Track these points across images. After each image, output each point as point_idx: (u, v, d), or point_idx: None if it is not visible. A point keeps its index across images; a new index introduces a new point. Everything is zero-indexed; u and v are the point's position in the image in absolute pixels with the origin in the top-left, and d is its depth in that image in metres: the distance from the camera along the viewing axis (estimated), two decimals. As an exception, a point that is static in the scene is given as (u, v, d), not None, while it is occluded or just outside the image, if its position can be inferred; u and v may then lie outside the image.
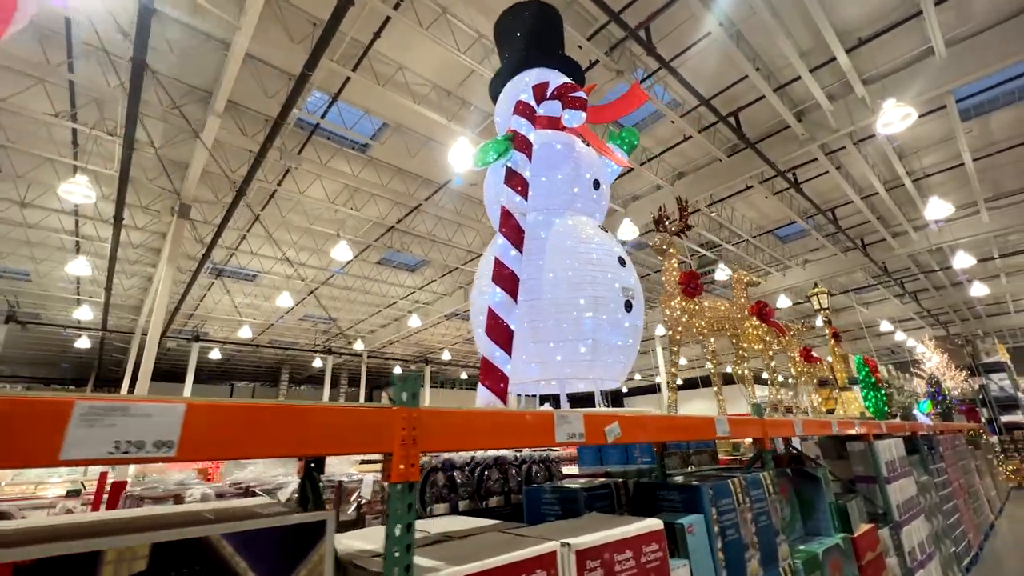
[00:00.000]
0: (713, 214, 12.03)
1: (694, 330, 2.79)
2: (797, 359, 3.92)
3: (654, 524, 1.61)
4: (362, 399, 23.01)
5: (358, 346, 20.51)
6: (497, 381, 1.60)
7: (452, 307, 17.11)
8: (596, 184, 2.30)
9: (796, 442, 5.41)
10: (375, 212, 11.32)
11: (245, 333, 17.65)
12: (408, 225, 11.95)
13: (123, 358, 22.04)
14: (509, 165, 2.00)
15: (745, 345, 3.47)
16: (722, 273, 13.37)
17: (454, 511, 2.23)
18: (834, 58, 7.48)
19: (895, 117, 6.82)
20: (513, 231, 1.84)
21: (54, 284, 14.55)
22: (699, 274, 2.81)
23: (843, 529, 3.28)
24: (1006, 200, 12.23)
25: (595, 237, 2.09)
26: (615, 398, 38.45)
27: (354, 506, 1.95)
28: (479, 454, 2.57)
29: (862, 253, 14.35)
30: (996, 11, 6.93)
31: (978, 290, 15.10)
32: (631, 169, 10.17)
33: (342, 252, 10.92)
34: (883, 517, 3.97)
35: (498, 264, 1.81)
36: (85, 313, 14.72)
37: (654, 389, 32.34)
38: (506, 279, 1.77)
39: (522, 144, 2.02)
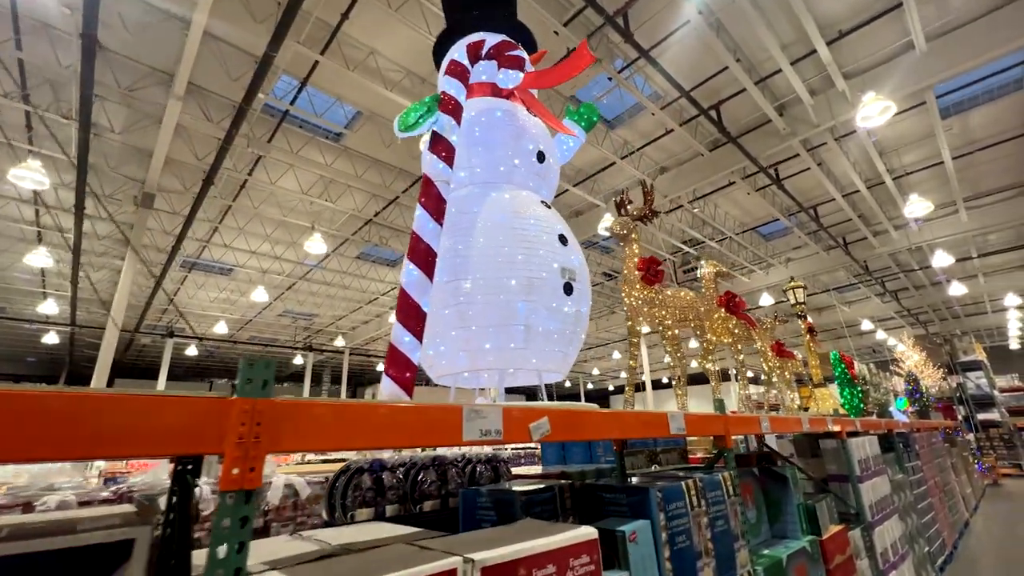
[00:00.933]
0: (696, 210, 11.92)
1: (656, 320, 2.60)
2: (768, 354, 3.76)
3: (586, 533, 1.40)
4: (343, 396, 22.58)
5: (339, 343, 20.14)
6: (403, 370, 1.39)
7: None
8: (540, 156, 2.09)
9: (772, 440, 5.28)
10: (351, 204, 11.01)
11: (222, 329, 17.19)
12: (386, 219, 11.66)
13: (96, 354, 21.40)
14: (435, 129, 1.78)
15: (712, 338, 3.29)
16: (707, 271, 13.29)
17: (380, 517, 2.01)
18: (815, 51, 7.37)
19: (874, 111, 6.72)
20: (433, 200, 1.62)
21: (16, 277, 13.99)
22: (659, 260, 2.62)
23: (812, 531, 3.11)
24: (984, 200, 12.31)
25: (534, 212, 1.88)
26: (601, 396, 38.48)
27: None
28: (412, 453, 2.35)
29: (844, 251, 14.38)
30: (977, 4, 6.86)
31: (956, 290, 15.24)
32: (621, 159, 10.00)
33: (317, 245, 10.60)
34: (855, 517, 3.83)
35: (414, 238, 1.60)
36: (51, 307, 14.19)
37: (640, 387, 32.39)
38: (421, 255, 1.55)
39: (450, 106, 1.80)
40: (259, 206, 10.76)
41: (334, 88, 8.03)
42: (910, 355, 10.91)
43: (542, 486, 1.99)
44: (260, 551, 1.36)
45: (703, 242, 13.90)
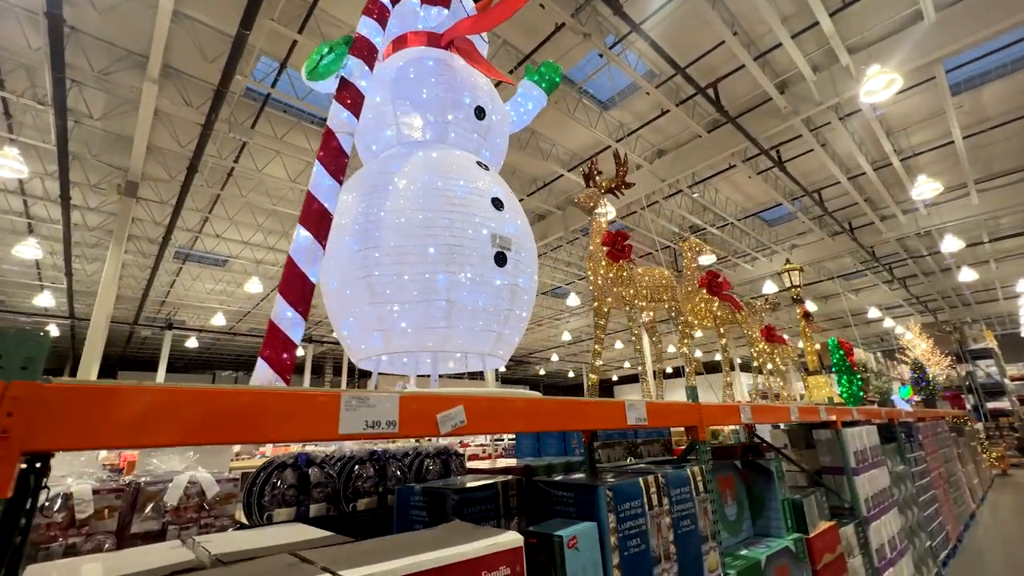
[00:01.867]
0: (696, 195, 11.58)
1: (624, 300, 2.37)
2: (757, 338, 3.51)
3: (509, 541, 1.18)
4: (344, 387, 22.53)
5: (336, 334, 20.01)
6: (280, 351, 1.16)
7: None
8: (480, 112, 1.84)
9: (765, 431, 5.04)
10: (341, 192, 10.78)
11: (220, 321, 17.13)
12: (378, 206, 11.42)
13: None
14: (342, 74, 1.54)
15: (693, 320, 3.05)
16: (706, 258, 12.98)
17: (304, 518, 1.81)
18: (817, 23, 7.00)
19: (879, 84, 6.37)
20: (331, 154, 1.39)
21: (11, 270, 13.95)
22: (626, 234, 2.37)
23: (798, 528, 2.88)
24: (997, 181, 11.86)
25: (465, 173, 1.63)
26: (604, 387, 38.31)
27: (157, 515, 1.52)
28: (348, 446, 2.15)
29: (850, 237, 13.99)
30: (989, -30, 6.46)
31: (967, 275, 14.81)
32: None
33: (306, 234, 10.38)
34: (850, 512, 3.60)
35: (308, 198, 1.37)
36: (47, 300, 14.16)
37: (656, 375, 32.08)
38: (314, 217, 1.32)
39: (363, 49, 1.55)
40: (247, 194, 10.56)
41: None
42: (916, 343, 10.58)
43: (483, 483, 1.77)
44: (113, 564, 1.16)
45: (704, 228, 13.56)
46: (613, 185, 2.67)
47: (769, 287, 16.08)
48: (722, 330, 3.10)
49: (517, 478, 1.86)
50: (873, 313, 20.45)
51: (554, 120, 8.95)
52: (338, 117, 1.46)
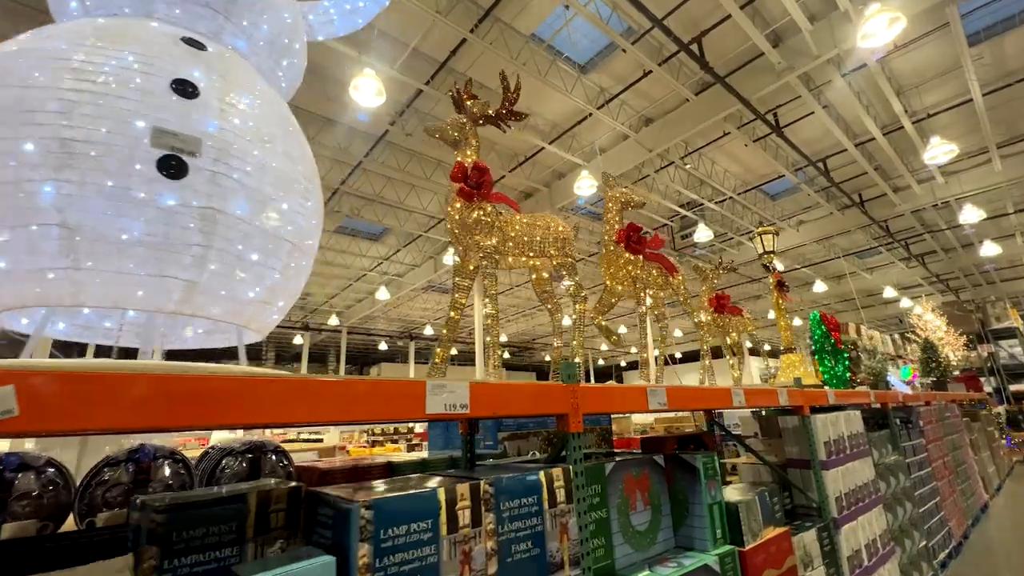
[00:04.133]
0: (688, 167, 10.82)
1: (482, 252, 1.83)
2: (700, 308, 2.93)
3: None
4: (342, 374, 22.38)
5: (332, 321, 19.79)
6: None
7: (424, 278, 16.20)
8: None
9: (735, 417, 4.45)
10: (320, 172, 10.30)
11: (210, 309, 16.93)
12: (352, 186, 10.94)
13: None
14: None
15: (615, 285, 2.49)
16: (702, 234, 12.26)
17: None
18: (810, -39, 6.22)
19: (879, 25, 5.59)
20: None
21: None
22: (486, 167, 1.82)
23: (731, 539, 2.33)
24: (1022, 144, 10.85)
25: (137, 46, 1.08)
26: (614, 373, 37.71)
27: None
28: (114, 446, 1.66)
29: (860, 210, 13.09)
30: None
31: (989, 250, 13.79)
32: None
33: (276, 216, 9.97)
34: (817, 513, 3.03)
35: None
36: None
37: (666, 361, 31.18)
38: None
39: None
40: (215, 176, 10.14)
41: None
42: (928, 320, 9.78)
43: (222, 495, 1.25)
44: None
45: (701, 204, 12.79)
46: (490, 113, 2.11)
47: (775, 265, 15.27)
48: (649, 296, 2.53)
49: (290, 487, 1.34)
50: (889, 293, 19.41)
51: (527, 86, 8.28)
52: None
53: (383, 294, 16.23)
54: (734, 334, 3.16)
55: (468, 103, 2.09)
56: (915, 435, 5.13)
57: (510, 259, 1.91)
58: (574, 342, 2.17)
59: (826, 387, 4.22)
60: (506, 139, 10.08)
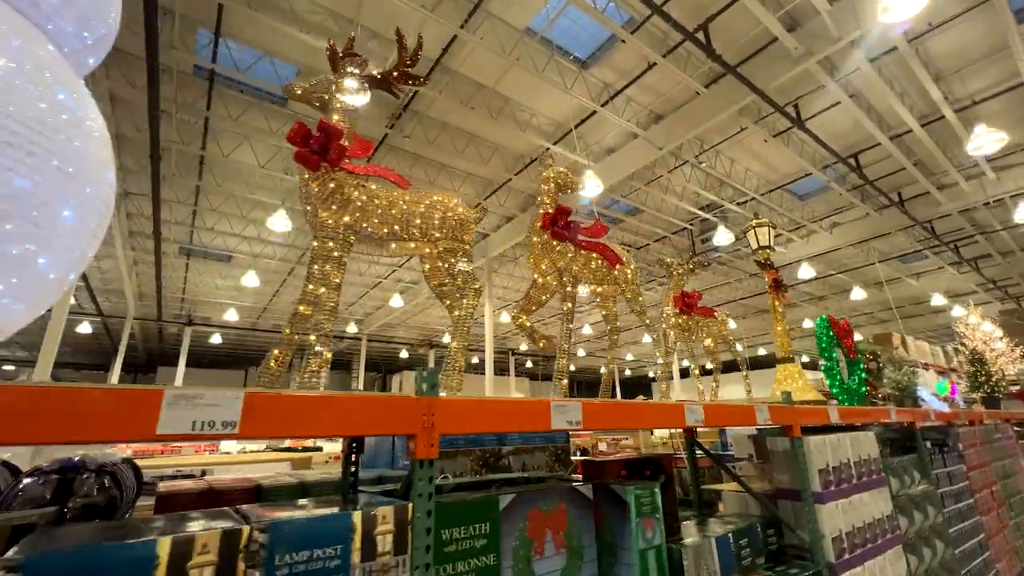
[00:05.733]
0: (703, 164, 10.20)
1: (324, 232, 1.48)
2: (669, 307, 2.47)
3: None
4: (361, 383, 22.52)
5: (351, 329, 19.90)
6: None
7: (438, 286, 16.00)
8: None
9: (730, 438, 3.92)
10: (316, 177, 10.28)
11: (232, 316, 17.32)
12: (358, 192, 10.86)
13: (136, 343, 22.54)
14: None
15: (539, 279, 2.09)
16: (723, 237, 11.55)
17: None
18: (824, -68, 5.66)
19: (902, -4, 4.98)
20: None
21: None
22: (336, 129, 1.48)
23: (670, 591, 1.87)
24: (1088, 133, 9.70)
25: None
26: (640, 385, 36.50)
27: None
28: None
29: (900, 211, 12.05)
30: None
31: (1053, 252, 12.43)
32: None
33: (280, 223, 10.00)
34: (808, 557, 2.52)
35: None
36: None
37: (685, 373, 30.06)
38: None
39: None
40: (222, 183, 10.28)
41: (256, 39, 7.20)
42: (984, 329, 8.75)
43: None
44: None
45: (722, 205, 12.08)
46: (377, 74, 1.78)
47: (806, 271, 14.30)
48: (597, 291, 2.11)
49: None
50: (939, 300, 17.87)
51: (525, 83, 7.98)
52: None
53: (397, 301, 16.15)
54: (708, 340, 2.68)
55: (346, 60, 1.76)
56: (952, 460, 4.42)
57: (393, 245, 1.56)
58: (454, 344, 1.78)
59: (834, 402, 3.65)
60: (510, 141, 9.79)
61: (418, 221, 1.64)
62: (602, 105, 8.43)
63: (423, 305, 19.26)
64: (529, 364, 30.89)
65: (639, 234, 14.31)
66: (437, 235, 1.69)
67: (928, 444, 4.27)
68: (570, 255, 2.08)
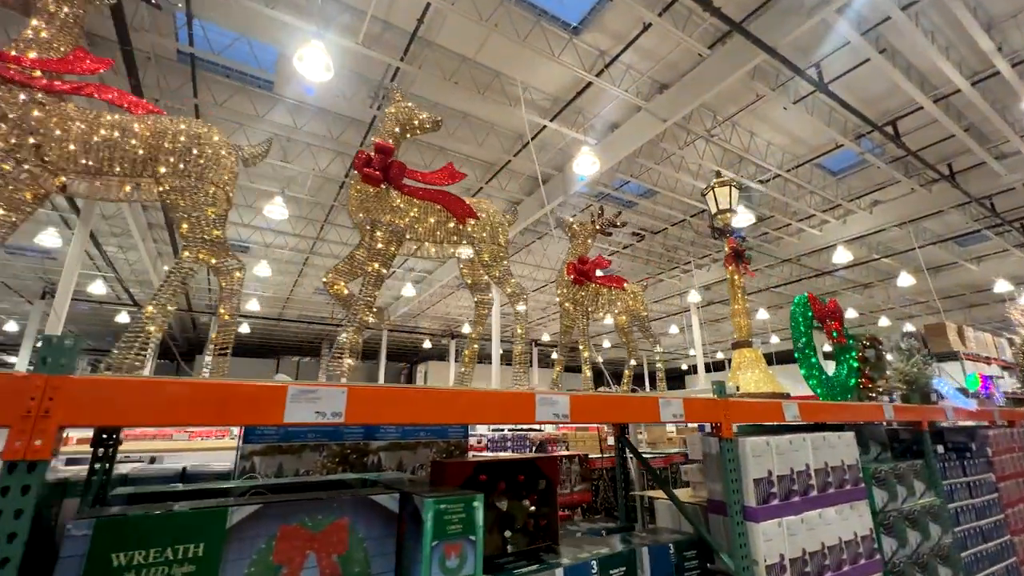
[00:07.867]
0: (716, 138, 9.34)
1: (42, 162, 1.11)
2: (563, 276, 1.97)
3: None
4: (382, 373, 22.68)
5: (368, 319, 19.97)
6: None
7: (451, 274, 15.79)
8: None
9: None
10: (311, 164, 10.17)
11: (254, 307, 17.73)
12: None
13: (173, 334, 23.63)
14: None
15: (362, 235, 1.67)
16: (742, 218, 10.63)
17: None
18: None
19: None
20: None
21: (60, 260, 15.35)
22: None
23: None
24: None
25: None
26: (677, 377, 35.22)
27: None
28: None
29: (951, 185, 10.71)
30: None
31: None
32: None
33: (278, 211, 9.95)
34: (730, 590, 2.02)
35: None
36: (99, 287, 15.42)
37: (721, 366, 28.64)
38: None
39: None
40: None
41: (228, 20, 7.01)
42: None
43: None
44: None
45: (744, 185, 11.12)
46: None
47: (842, 255, 13.07)
48: (431, 250, 1.68)
49: None
50: (1003, 287, 16.01)
51: (512, 53, 7.44)
52: None
53: (409, 291, 16.02)
54: (623, 316, 2.18)
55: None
56: (977, 468, 3.70)
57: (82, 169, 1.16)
58: (221, 310, 1.39)
59: (816, 397, 3.05)
60: (505, 119, 9.28)
61: (111, 142, 1.24)
62: (597, 74, 7.79)
63: (440, 295, 19.12)
64: (555, 355, 30.35)
65: (656, 217, 13.49)
66: (162, 170, 1.30)
67: (943, 448, 3.57)
68: (397, 204, 1.64)
